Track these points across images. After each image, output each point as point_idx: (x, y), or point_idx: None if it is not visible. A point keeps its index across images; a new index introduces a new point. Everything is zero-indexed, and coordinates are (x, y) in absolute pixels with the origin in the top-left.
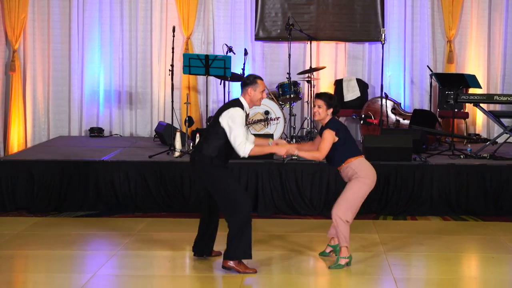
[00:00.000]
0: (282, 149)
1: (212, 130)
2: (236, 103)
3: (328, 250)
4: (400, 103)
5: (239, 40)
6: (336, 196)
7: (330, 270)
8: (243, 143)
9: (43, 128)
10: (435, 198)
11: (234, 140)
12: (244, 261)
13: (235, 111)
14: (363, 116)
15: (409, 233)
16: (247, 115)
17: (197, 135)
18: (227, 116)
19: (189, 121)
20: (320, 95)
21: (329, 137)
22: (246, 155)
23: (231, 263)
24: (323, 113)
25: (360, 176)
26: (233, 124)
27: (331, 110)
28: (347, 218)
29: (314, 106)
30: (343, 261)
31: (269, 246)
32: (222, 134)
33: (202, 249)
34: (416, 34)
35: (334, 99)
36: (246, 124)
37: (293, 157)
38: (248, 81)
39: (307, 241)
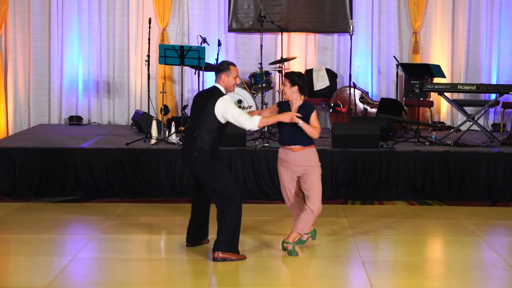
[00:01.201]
0: (287, 116)
1: (205, 122)
2: (217, 92)
3: (305, 238)
4: (368, 92)
5: (213, 31)
6: None
7: (302, 253)
8: (248, 118)
9: (24, 116)
10: (401, 184)
11: (238, 119)
12: None
13: (224, 101)
14: (332, 104)
15: (376, 217)
16: None
17: (173, 123)
18: (220, 107)
19: (165, 109)
20: (286, 74)
21: (315, 113)
22: (257, 127)
23: (222, 254)
24: (288, 91)
25: (317, 165)
26: (228, 109)
27: (295, 87)
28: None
29: (283, 85)
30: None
31: (242, 230)
32: (215, 126)
33: (200, 236)
34: (383, 25)
35: (300, 78)
36: None
37: (265, 145)
38: (222, 67)
39: (278, 225)
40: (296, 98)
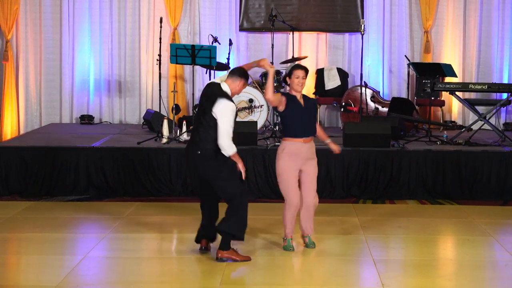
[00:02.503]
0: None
1: (206, 122)
2: (223, 93)
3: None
4: (379, 92)
5: (224, 30)
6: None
7: (313, 252)
8: (230, 141)
9: (35, 115)
10: (412, 183)
11: (223, 132)
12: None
13: (225, 106)
14: (343, 104)
15: (387, 217)
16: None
17: (184, 122)
18: (218, 108)
19: (176, 108)
20: (302, 66)
21: (278, 94)
22: (227, 154)
23: (226, 254)
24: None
25: (315, 157)
26: (223, 116)
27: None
28: None
29: (297, 77)
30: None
31: (253, 229)
32: (215, 125)
33: (211, 234)
34: (394, 25)
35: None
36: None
37: (276, 144)
38: (238, 72)
39: None
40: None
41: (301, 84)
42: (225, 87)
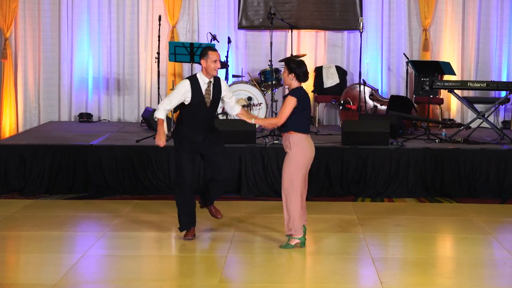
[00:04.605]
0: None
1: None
2: (190, 76)
3: (293, 243)
4: (378, 90)
5: (223, 28)
6: (317, 178)
7: (311, 250)
8: (160, 106)
9: (34, 113)
10: (411, 181)
11: (163, 99)
12: None
13: (180, 83)
14: (342, 102)
15: (386, 215)
16: (209, 84)
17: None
18: None
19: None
20: (284, 60)
21: (290, 103)
22: (155, 117)
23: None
24: (286, 78)
25: (291, 153)
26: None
27: (292, 75)
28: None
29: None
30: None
31: (252, 226)
32: (181, 106)
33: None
34: (393, 23)
35: (298, 65)
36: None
37: (275, 142)
38: (201, 54)
39: None
40: (294, 85)
41: (283, 78)
42: (198, 73)
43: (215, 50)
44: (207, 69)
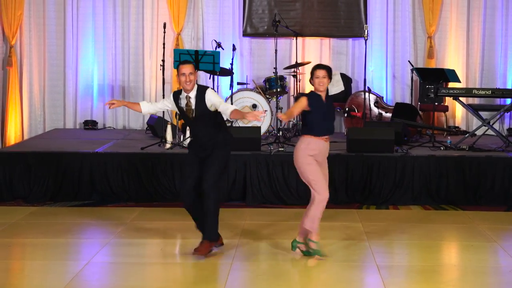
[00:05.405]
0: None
1: None
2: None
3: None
4: (383, 97)
5: (228, 36)
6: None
7: (315, 257)
8: (142, 103)
9: (39, 121)
10: (416, 188)
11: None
12: None
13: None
14: (347, 109)
15: (391, 222)
16: (187, 98)
17: (187, 127)
18: None
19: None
20: (323, 66)
21: (300, 102)
22: (142, 111)
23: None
24: (327, 83)
25: (295, 153)
26: None
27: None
28: None
29: (317, 77)
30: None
31: (256, 233)
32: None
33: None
34: (398, 30)
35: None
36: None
37: (280, 149)
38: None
39: (293, 230)
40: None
41: (322, 83)
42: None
43: (188, 62)
44: (179, 83)
